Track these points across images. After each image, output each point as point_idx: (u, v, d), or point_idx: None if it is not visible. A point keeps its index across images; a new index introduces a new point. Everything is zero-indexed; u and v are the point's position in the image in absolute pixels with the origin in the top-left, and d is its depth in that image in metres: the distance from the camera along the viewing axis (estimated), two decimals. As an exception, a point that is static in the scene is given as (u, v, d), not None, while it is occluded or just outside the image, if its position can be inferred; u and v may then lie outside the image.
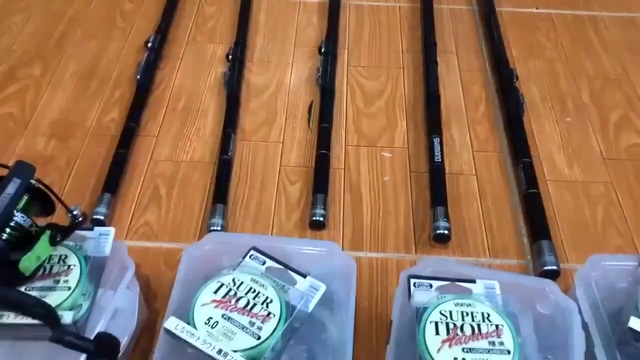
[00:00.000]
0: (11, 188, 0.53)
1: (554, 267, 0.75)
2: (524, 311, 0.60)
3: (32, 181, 0.57)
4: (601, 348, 0.57)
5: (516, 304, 0.59)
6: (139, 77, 1.01)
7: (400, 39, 1.14)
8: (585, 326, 0.58)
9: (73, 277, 0.58)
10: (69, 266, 0.59)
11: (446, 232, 0.79)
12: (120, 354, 0.59)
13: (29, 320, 0.52)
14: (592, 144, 0.95)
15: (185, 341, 0.53)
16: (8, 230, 0.53)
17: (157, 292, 0.74)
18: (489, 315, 0.56)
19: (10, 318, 0.53)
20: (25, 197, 0.56)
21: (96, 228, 0.63)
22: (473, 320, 0.56)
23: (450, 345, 0.54)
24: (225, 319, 0.55)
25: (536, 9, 1.22)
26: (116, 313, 0.60)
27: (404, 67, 1.08)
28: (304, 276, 0.61)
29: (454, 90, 1.04)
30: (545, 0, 1.24)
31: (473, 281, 0.60)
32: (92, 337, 0.52)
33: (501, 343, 0.54)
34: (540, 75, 1.07)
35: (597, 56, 1.11)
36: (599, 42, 1.14)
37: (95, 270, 0.60)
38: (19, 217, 0.54)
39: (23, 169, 0.55)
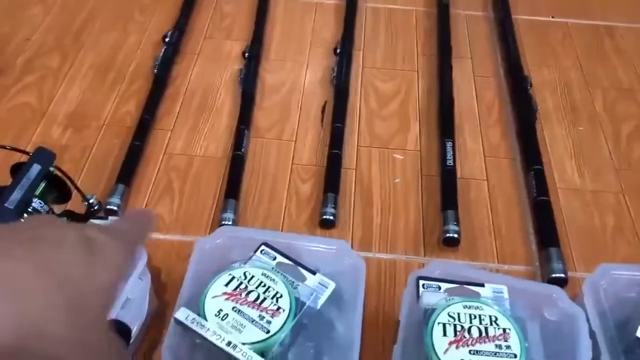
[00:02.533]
0: (32, 174, 0.54)
1: (562, 275, 0.75)
2: (531, 316, 0.60)
3: (50, 168, 0.58)
4: (607, 357, 0.57)
5: (524, 309, 0.59)
6: (155, 71, 1.02)
7: (415, 43, 1.14)
8: (592, 334, 0.58)
9: (87, 265, 0.58)
10: (83, 254, 0.59)
11: (456, 235, 0.79)
12: (130, 342, 0.59)
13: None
14: (604, 154, 0.95)
15: (195, 332, 0.54)
16: (26, 216, 0.54)
17: (166, 283, 0.75)
18: (496, 318, 0.57)
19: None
20: (43, 184, 0.57)
21: (110, 218, 0.64)
22: (481, 323, 0.56)
23: (457, 347, 0.54)
24: (235, 311, 0.56)
25: (552, 17, 1.22)
26: (127, 302, 0.61)
27: (418, 71, 1.08)
28: (314, 273, 0.61)
29: (467, 95, 1.04)
30: (561, 9, 1.24)
31: (482, 285, 0.61)
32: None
33: (508, 347, 0.55)
34: (554, 83, 1.07)
35: (611, 66, 1.11)
36: (614, 52, 1.14)
37: (108, 259, 0.60)
38: (36, 203, 0.55)
39: (43, 155, 0.56)
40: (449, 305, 0.58)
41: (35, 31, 1.12)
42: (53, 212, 0.57)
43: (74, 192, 0.60)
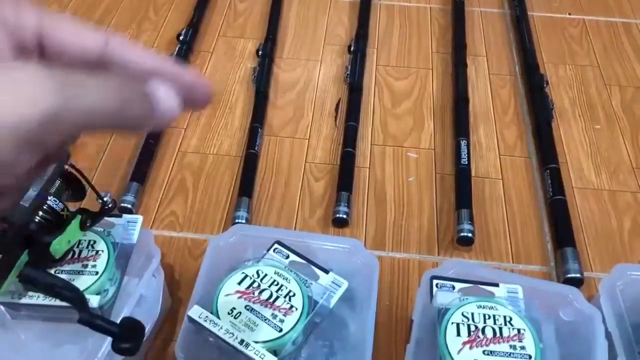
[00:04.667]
0: (47, 171, 0.54)
1: (578, 275, 0.74)
2: (546, 317, 0.59)
3: (66, 166, 0.58)
4: (624, 359, 0.56)
5: (539, 310, 0.59)
6: (169, 69, 1.02)
7: (430, 40, 1.14)
8: (608, 336, 0.57)
9: (101, 262, 0.59)
10: (97, 251, 0.60)
11: (470, 235, 0.78)
12: (144, 339, 0.60)
13: (57, 302, 0.53)
14: (621, 153, 0.93)
15: (208, 330, 0.54)
16: (41, 213, 0.55)
17: (179, 281, 0.75)
18: (511, 319, 0.56)
19: (40, 299, 0.55)
20: (58, 182, 0.58)
21: (124, 216, 0.64)
22: (495, 323, 0.56)
23: (470, 347, 0.54)
24: (248, 310, 0.56)
25: (569, 14, 1.20)
26: (141, 300, 0.61)
27: (433, 68, 1.08)
28: (327, 272, 0.61)
29: (482, 93, 1.03)
30: (578, 6, 1.22)
31: (496, 285, 0.60)
32: (117, 322, 0.53)
33: (522, 347, 0.54)
34: (571, 81, 1.06)
35: (629, 64, 1.09)
36: (633, 50, 1.12)
37: (122, 256, 0.61)
38: (51, 200, 0.55)
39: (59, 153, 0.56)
40: (462, 305, 0.57)
41: (51, 30, 1.13)
42: (67, 210, 0.58)
43: (89, 190, 0.60)
